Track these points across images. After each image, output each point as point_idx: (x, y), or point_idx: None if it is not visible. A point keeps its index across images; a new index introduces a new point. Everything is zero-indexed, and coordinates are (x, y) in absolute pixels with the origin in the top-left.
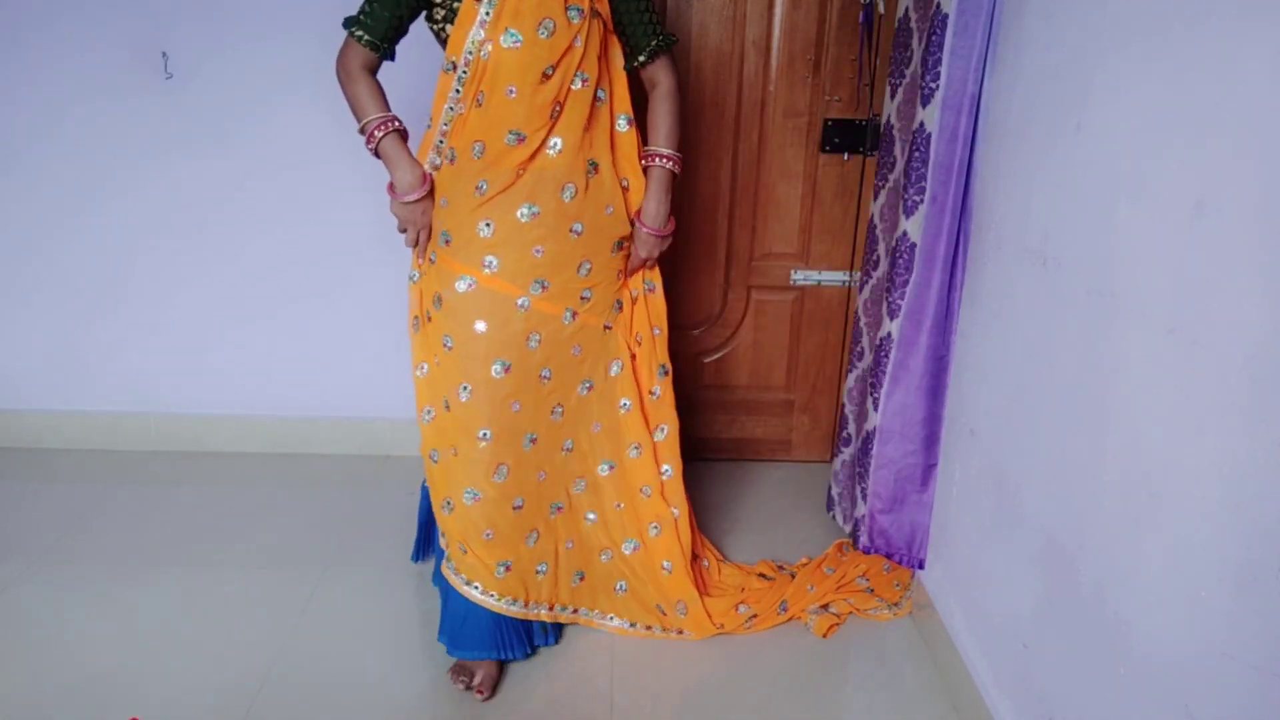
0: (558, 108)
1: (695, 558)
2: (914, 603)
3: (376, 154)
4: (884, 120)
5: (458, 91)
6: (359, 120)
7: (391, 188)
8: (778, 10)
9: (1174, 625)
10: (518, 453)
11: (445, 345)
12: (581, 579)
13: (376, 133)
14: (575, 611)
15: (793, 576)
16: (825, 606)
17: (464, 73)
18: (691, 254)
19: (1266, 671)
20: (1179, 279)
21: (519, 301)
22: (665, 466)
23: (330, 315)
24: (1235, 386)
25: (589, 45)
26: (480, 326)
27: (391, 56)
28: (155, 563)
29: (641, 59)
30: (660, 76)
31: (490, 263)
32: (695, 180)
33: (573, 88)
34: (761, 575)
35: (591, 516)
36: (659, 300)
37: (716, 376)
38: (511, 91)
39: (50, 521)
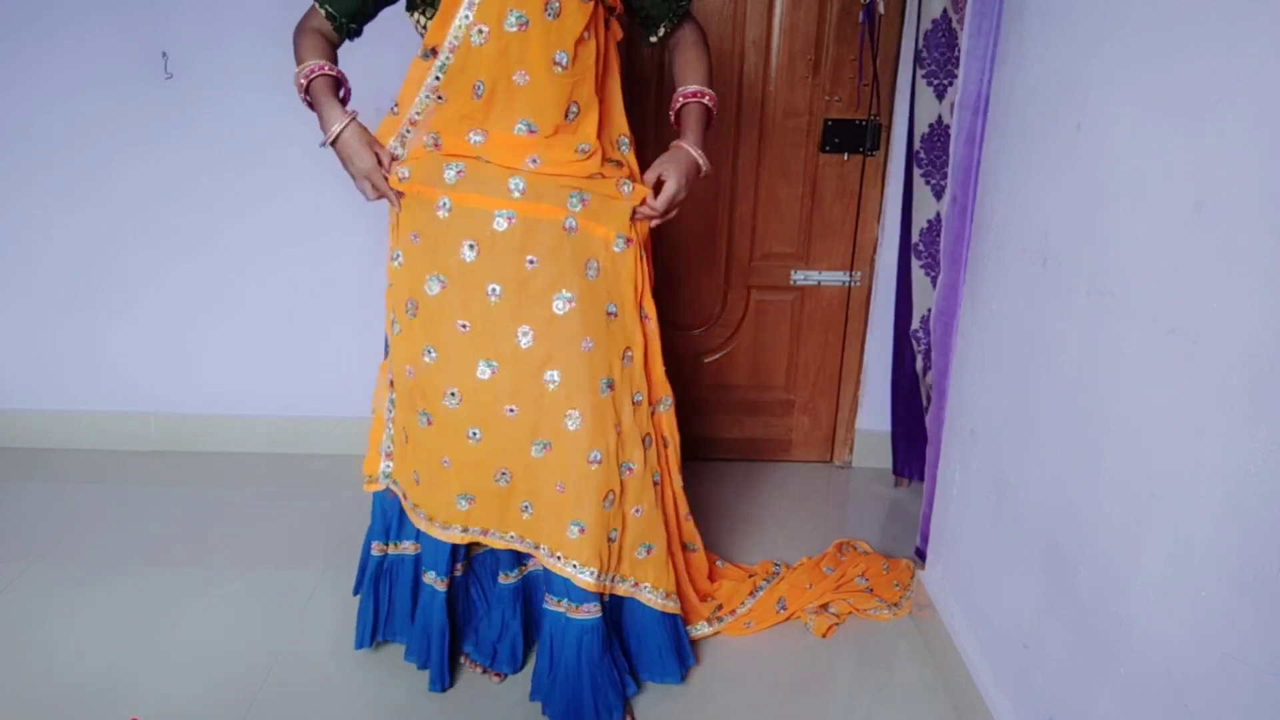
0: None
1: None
2: (914, 603)
3: (311, 105)
4: (937, 123)
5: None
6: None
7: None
8: (778, 10)
9: (1174, 626)
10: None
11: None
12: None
13: (302, 80)
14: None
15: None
16: (825, 606)
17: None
18: (691, 254)
19: (1267, 672)
20: (1179, 279)
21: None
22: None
23: (330, 314)
24: (1235, 386)
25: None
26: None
27: (353, 36)
28: (154, 563)
29: (661, 32)
30: (685, 34)
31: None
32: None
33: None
34: (751, 576)
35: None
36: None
37: (716, 377)
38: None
39: (50, 521)
